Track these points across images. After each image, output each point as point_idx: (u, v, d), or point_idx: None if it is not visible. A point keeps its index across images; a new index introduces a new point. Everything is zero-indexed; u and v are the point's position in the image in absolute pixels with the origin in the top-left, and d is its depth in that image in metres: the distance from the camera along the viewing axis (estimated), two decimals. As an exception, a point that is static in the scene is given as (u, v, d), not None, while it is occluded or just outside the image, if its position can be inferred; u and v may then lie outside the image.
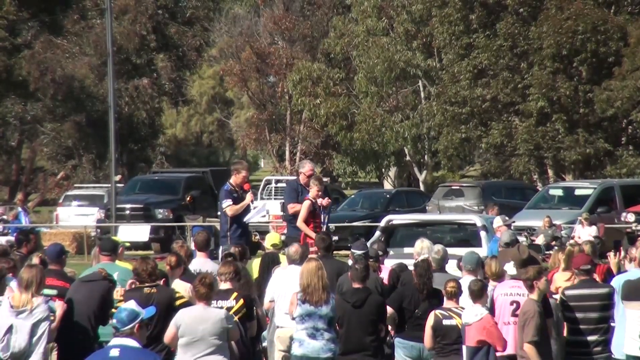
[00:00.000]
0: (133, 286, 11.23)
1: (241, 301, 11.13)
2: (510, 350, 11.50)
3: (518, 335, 11.05)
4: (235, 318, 10.92)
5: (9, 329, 10.58)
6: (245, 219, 16.15)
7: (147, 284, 11.07)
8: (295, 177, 16.95)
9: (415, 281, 12.24)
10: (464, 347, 11.20)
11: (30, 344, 10.54)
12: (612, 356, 11.67)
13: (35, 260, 13.23)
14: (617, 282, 12.19)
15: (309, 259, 12.06)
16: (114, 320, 7.89)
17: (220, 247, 15.72)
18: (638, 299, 11.57)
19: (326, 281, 11.30)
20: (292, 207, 16.25)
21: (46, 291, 11.50)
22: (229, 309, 10.98)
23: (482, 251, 16.76)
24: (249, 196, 16.08)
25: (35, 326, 10.59)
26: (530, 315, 10.75)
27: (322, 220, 15.97)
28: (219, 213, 16.74)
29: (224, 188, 16.24)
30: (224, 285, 11.30)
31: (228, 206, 15.86)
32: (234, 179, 16.21)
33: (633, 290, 11.65)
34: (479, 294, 11.08)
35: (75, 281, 11.85)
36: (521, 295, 11.65)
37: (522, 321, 10.77)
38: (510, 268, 12.39)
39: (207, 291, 10.51)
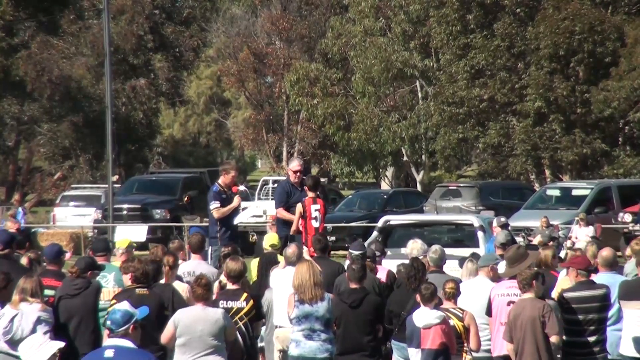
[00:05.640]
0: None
1: (251, 302, 11.16)
2: (505, 351, 11.49)
3: (528, 332, 10.98)
4: (246, 319, 11.01)
5: (15, 315, 10.55)
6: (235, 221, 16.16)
7: (138, 285, 11.05)
8: (286, 177, 16.79)
9: (406, 282, 12.23)
10: (416, 350, 11.16)
11: (33, 334, 10.46)
12: (608, 356, 11.67)
13: (24, 260, 13.22)
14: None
15: (302, 260, 12.07)
16: (108, 322, 7.87)
17: (210, 248, 15.67)
18: (636, 299, 11.57)
19: (319, 278, 11.29)
20: (278, 212, 16.17)
21: (44, 292, 11.49)
22: (239, 310, 11.01)
23: (480, 251, 16.76)
24: (236, 199, 16.02)
25: (41, 319, 10.54)
26: (549, 309, 10.85)
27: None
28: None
29: (212, 189, 16.19)
30: (232, 285, 11.31)
31: (215, 208, 15.81)
32: (223, 180, 16.16)
33: (632, 291, 11.65)
34: (429, 297, 11.11)
35: (62, 301, 11.56)
36: (518, 295, 11.64)
37: (540, 318, 10.79)
38: (501, 267, 12.41)
39: (204, 292, 10.51)
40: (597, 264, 12.37)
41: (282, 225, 16.05)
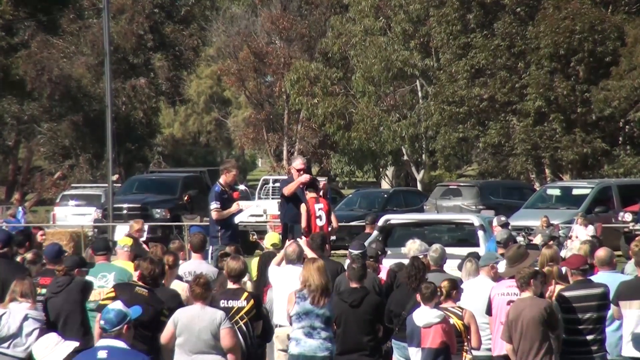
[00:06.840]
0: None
1: (252, 301, 11.12)
2: (505, 351, 11.47)
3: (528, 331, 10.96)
4: (246, 319, 10.97)
5: (3, 314, 10.58)
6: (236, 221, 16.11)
7: (140, 284, 10.99)
8: (289, 176, 16.78)
9: (407, 282, 12.21)
10: (416, 349, 11.16)
11: (20, 331, 10.47)
12: (608, 356, 11.64)
13: (18, 260, 13.19)
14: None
15: (314, 258, 12.01)
16: (102, 321, 7.79)
17: (211, 247, 15.62)
18: (635, 299, 11.55)
19: (330, 283, 11.26)
20: (285, 190, 16.10)
21: (43, 291, 11.48)
22: (240, 309, 10.98)
23: (480, 251, 16.74)
24: (235, 206, 15.97)
25: (28, 316, 10.56)
26: (550, 308, 10.83)
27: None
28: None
29: (214, 189, 16.11)
30: (233, 285, 11.28)
31: (215, 209, 15.76)
32: (224, 179, 16.08)
33: (631, 291, 11.62)
34: (430, 297, 11.11)
35: (49, 300, 11.46)
36: (518, 295, 11.63)
37: (541, 317, 10.77)
38: (501, 267, 12.40)
39: (202, 291, 10.48)
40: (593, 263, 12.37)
41: (288, 208, 15.96)
